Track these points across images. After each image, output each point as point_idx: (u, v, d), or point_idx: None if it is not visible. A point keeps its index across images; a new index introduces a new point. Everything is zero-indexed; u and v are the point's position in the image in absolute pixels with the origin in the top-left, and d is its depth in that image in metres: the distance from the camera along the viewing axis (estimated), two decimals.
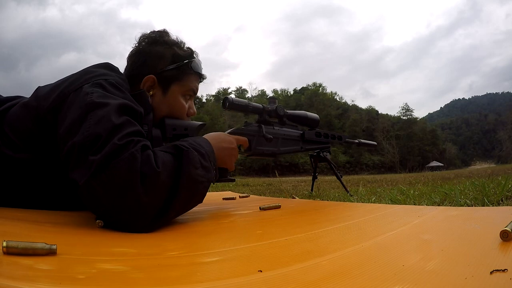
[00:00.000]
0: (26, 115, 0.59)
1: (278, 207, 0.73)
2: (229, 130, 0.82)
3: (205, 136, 0.67)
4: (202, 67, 0.77)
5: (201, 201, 0.56)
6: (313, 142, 1.04)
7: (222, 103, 0.82)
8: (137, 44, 0.74)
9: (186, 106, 0.76)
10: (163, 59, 0.71)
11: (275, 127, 0.92)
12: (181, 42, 0.76)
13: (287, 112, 0.95)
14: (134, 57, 0.73)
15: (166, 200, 0.48)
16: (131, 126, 0.51)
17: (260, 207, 0.72)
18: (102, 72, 0.61)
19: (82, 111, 0.51)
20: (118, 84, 0.59)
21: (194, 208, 0.81)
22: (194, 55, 0.76)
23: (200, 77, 0.77)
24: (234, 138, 0.73)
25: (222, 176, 0.71)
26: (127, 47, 0.76)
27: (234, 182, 0.83)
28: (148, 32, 0.75)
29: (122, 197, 0.45)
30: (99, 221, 0.48)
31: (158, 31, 0.75)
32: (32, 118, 0.58)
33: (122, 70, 0.72)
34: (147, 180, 0.46)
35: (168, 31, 0.76)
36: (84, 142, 0.47)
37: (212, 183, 0.61)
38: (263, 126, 0.86)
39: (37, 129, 0.58)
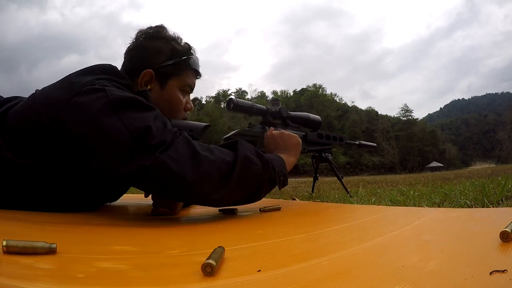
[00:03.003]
0: (26, 123, 0.57)
1: (278, 208, 0.73)
2: (233, 132, 0.82)
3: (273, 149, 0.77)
4: (200, 64, 0.77)
5: (254, 186, 0.60)
6: (315, 143, 1.05)
7: (226, 104, 0.83)
8: (134, 40, 0.73)
9: (184, 101, 0.76)
10: (161, 54, 0.71)
11: (278, 129, 0.92)
12: (178, 37, 0.75)
13: (290, 113, 0.95)
14: (132, 52, 0.72)
15: (227, 170, 0.54)
16: (164, 118, 0.56)
17: (260, 209, 0.71)
18: (102, 77, 0.60)
19: (106, 109, 0.52)
20: (121, 84, 0.59)
21: (194, 208, 0.81)
22: (192, 51, 0.76)
23: (197, 74, 0.77)
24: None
25: None
26: (129, 42, 0.74)
27: None
28: (145, 28, 0.75)
29: (192, 162, 0.51)
30: None
31: (155, 26, 0.75)
32: (32, 127, 0.56)
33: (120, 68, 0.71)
34: (207, 151, 0.54)
35: (165, 26, 0.75)
36: (134, 135, 0.51)
37: (278, 188, 0.66)
38: (267, 127, 0.86)
39: (38, 137, 0.56)
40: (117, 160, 0.51)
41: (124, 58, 0.74)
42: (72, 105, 0.53)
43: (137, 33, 0.74)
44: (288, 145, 0.77)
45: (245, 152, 0.57)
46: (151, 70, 0.70)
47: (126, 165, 0.50)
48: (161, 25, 0.75)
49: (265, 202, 1.03)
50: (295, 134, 0.80)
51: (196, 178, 0.51)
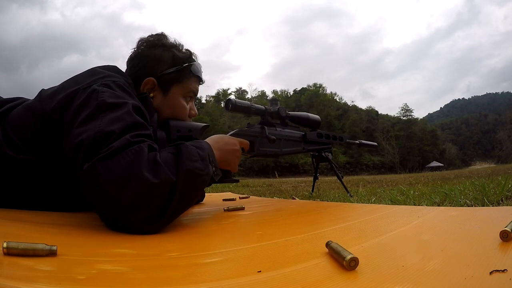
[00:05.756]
0: (29, 117, 0.59)
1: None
2: (232, 132, 0.82)
3: (208, 138, 0.68)
4: (202, 70, 0.77)
5: (198, 196, 0.53)
6: (315, 143, 1.05)
7: (224, 105, 0.83)
8: (135, 48, 0.74)
9: (187, 107, 0.76)
10: (162, 62, 0.72)
11: (277, 128, 0.92)
12: (179, 44, 0.76)
13: (289, 113, 0.95)
14: (134, 61, 0.73)
15: (168, 194, 0.46)
16: (144, 129, 0.52)
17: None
18: (110, 74, 0.61)
19: (93, 109, 0.51)
20: (125, 87, 0.59)
21: (194, 209, 0.81)
22: (193, 57, 0.77)
23: (200, 80, 0.78)
24: (237, 140, 0.74)
25: (226, 177, 0.72)
26: (130, 50, 0.76)
27: (235, 183, 0.84)
28: (146, 36, 0.76)
29: (124, 185, 0.44)
30: None
31: (156, 34, 0.76)
32: (36, 120, 0.58)
33: None
34: (153, 172, 0.45)
35: (166, 34, 0.76)
36: (95, 138, 0.47)
37: (215, 182, 0.60)
38: (265, 127, 0.86)
39: (40, 132, 0.58)
40: (74, 155, 0.49)
41: (127, 66, 0.75)
42: (73, 95, 0.55)
43: (138, 41, 0.75)
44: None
45: (188, 164, 0.48)
46: (153, 78, 0.71)
47: (79, 168, 0.47)
48: (162, 33, 0.76)
49: (263, 201, 1.04)
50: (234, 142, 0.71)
51: (127, 201, 0.43)
